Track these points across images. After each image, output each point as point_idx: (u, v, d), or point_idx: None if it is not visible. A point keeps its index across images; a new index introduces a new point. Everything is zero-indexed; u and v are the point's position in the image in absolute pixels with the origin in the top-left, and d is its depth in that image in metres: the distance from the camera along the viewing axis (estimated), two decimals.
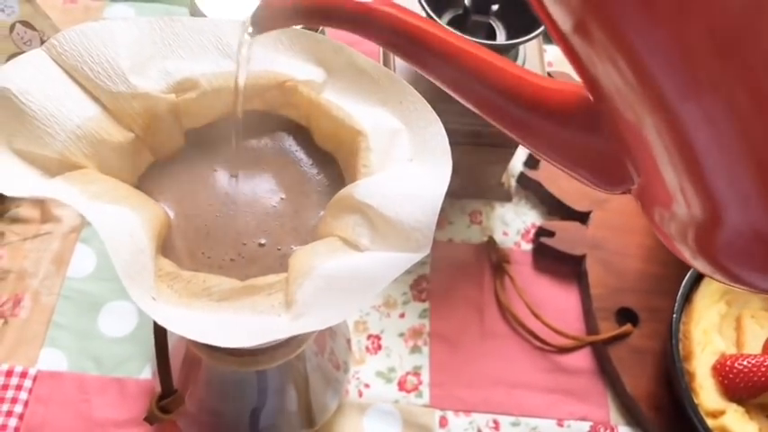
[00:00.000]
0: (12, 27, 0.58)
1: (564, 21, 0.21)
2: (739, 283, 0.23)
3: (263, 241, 0.33)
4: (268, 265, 0.32)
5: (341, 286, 0.29)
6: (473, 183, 0.66)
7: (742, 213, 0.21)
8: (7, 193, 0.28)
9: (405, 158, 0.34)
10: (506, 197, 0.68)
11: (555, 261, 0.64)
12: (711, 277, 0.24)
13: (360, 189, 0.32)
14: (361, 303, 0.29)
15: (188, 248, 0.32)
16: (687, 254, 0.24)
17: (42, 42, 0.59)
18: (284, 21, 0.29)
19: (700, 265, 0.24)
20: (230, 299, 0.29)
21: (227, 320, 0.28)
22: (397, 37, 0.27)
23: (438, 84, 0.27)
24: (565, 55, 0.23)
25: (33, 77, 0.32)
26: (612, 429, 0.57)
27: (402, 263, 0.29)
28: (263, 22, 0.28)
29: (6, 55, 0.58)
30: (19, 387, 0.54)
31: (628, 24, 0.19)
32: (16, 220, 0.61)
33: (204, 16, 0.49)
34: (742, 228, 0.21)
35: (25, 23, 0.59)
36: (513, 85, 0.25)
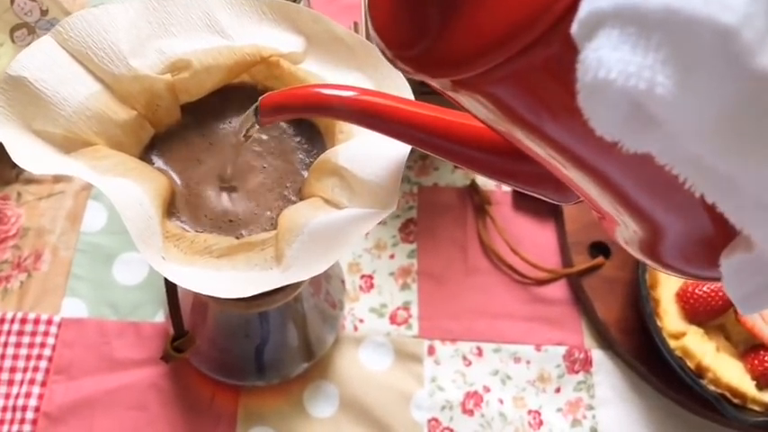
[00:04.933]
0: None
1: (477, 116, 0.25)
2: (685, 276, 0.26)
3: (256, 205, 0.38)
4: (261, 224, 0.37)
5: (323, 241, 0.34)
6: None
7: (676, 228, 0.24)
8: (32, 170, 0.33)
9: None
10: None
11: (533, 200, 0.68)
12: (661, 271, 0.27)
13: (337, 154, 0.36)
14: (340, 255, 0.33)
15: (191, 211, 0.37)
16: (637, 256, 0.27)
17: (42, 12, 0.63)
18: (277, 118, 0.32)
19: (649, 263, 0.27)
20: (228, 255, 0.34)
21: (226, 275, 0.33)
22: (370, 119, 0.30)
23: (415, 147, 0.31)
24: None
25: (45, 64, 0.35)
26: (586, 352, 0.62)
27: (373, 218, 0.34)
28: (262, 120, 0.31)
29: (10, 25, 0.61)
30: (46, 333, 0.60)
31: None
32: (31, 181, 0.66)
33: None
34: (678, 238, 0.24)
35: None
36: (471, 136, 0.29)
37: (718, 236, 0.23)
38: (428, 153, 0.31)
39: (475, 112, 0.25)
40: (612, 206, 0.25)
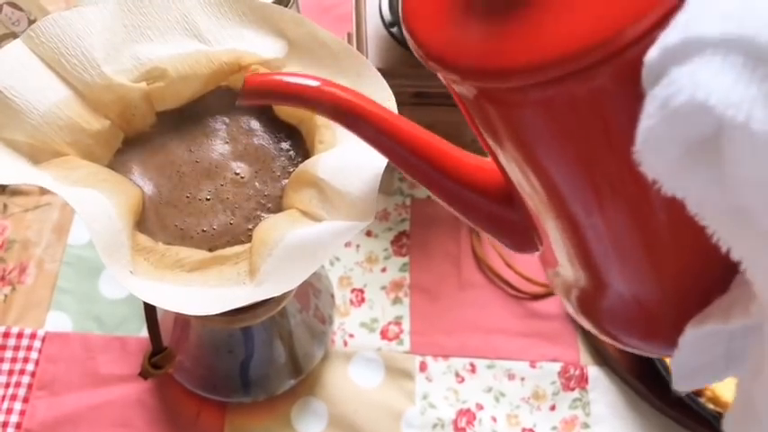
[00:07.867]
0: (0, 9, 0.61)
1: (488, 139, 0.25)
2: (617, 342, 0.26)
3: (231, 215, 0.36)
4: (236, 236, 0.36)
5: (298, 255, 0.32)
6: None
7: (624, 287, 0.24)
8: (1, 180, 0.32)
9: None
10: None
11: None
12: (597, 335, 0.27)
13: (316, 165, 0.35)
14: (315, 269, 0.32)
15: (160, 221, 0.36)
16: (572, 311, 0.27)
17: (30, 22, 0.62)
18: (256, 102, 0.32)
19: (582, 321, 0.27)
20: (200, 269, 0.33)
21: (197, 291, 0.32)
22: (343, 115, 0.29)
23: (379, 152, 0.30)
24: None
25: (16, 71, 0.34)
26: (582, 369, 0.61)
27: (350, 230, 0.33)
28: (242, 102, 0.31)
29: None
30: (29, 348, 0.59)
31: (550, 165, 0.22)
32: (17, 193, 0.65)
33: None
34: (623, 296, 0.25)
35: (12, 4, 0.61)
36: (440, 160, 0.29)
37: (665, 313, 0.24)
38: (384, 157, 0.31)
39: (487, 131, 0.24)
40: (567, 254, 0.25)
